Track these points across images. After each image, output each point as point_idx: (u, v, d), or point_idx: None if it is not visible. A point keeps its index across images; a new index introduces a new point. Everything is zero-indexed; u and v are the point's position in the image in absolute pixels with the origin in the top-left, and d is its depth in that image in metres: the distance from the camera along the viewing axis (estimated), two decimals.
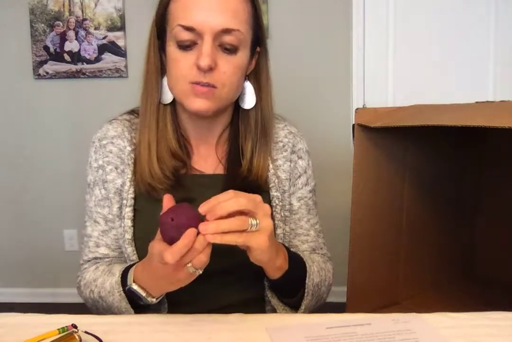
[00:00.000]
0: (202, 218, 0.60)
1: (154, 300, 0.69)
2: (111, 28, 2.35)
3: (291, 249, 0.87)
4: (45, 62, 2.38)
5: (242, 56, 0.76)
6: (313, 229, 0.90)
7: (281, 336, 0.63)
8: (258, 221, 0.62)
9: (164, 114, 0.82)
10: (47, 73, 2.39)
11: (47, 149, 2.45)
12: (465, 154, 1.24)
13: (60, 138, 2.45)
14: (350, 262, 1.05)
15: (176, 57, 0.75)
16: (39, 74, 2.39)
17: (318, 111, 2.36)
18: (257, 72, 0.84)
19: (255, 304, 0.81)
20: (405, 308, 1.12)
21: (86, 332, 0.61)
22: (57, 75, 2.39)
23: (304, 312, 0.78)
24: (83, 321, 0.64)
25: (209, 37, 0.72)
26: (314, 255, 0.87)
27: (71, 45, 2.37)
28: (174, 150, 0.81)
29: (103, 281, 0.76)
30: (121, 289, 0.72)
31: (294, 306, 0.79)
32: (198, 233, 0.58)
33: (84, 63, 2.37)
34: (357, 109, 1.03)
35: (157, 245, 0.60)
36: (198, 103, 0.75)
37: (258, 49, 0.82)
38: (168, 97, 0.81)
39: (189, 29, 0.72)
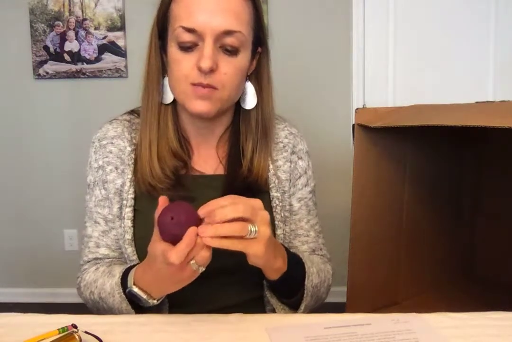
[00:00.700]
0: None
1: (155, 301, 0.69)
2: (111, 28, 2.35)
3: (291, 250, 0.87)
4: (45, 62, 2.38)
5: (243, 57, 0.76)
6: (313, 229, 0.90)
7: (280, 336, 0.63)
8: (257, 228, 0.62)
9: (165, 114, 0.82)
10: (47, 73, 2.39)
11: (47, 149, 2.46)
12: (465, 154, 1.24)
13: (60, 138, 2.45)
14: (350, 262, 1.05)
15: (177, 58, 0.75)
16: (39, 74, 2.39)
17: (318, 111, 2.36)
18: (258, 73, 0.84)
19: (255, 305, 0.81)
20: (405, 308, 1.11)
21: (86, 332, 0.61)
22: (57, 75, 2.39)
23: (303, 312, 0.78)
24: (83, 321, 0.64)
25: (211, 39, 0.71)
26: (313, 256, 0.87)
27: (71, 45, 2.37)
28: (175, 150, 0.81)
29: (103, 282, 0.76)
30: (121, 290, 0.72)
31: (293, 306, 0.79)
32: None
33: (84, 63, 2.38)
34: (357, 109, 1.03)
35: (159, 246, 0.60)
36: (199, 105, 0.75)
37: (259, 49, 0.82)
38: (169, 97, 0.81)
39: (190, 30, 0.72)
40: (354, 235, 1.04)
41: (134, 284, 0.68)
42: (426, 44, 2.28)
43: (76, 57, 2.37)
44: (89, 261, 0.84)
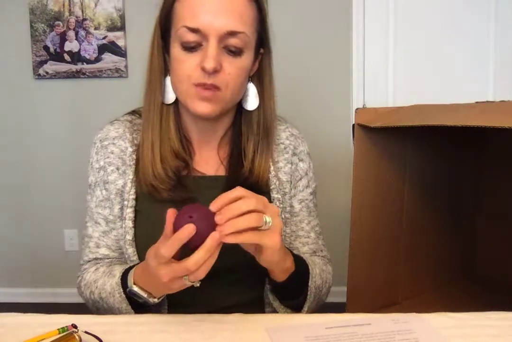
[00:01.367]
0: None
1: (155, 300, 0.68)
2: (111, 28, 2.35)
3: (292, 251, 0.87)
4: (45, 62, 2.38)
5: (247, 58, 0.76)
6: (314, 231, 0.90)
7: (281, 336, 0.63)
8: (270, 219, 0.62)
9: (167, 115, 0.81)
10: (47, 73, 2.39)
11: (47, 149, 2.46)
12: (465, 154, 1.24)
13: (60, 138, 2.45)
14: (350, 262, 1.05)
15: (180, 58, 0.74)
16: (39, 74, 2.39)
17: (318, 111, 2.36)
18: (260, 74, 0.83)
19: (255, 306, 0.81)
20: (405, 308, 1.11)
21: (86, 332, 0.61)
22: (57, 75, 2.39)
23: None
24: (83, 321, 0.64)
25: (214, 39, 0.71)
26: (314, 257, 0.87)
27: (71, 45, 2.37)
28: (176, 151, 0.81)
29: (104, 282, 0.76)
30: (121, 290, 0.72)
31: (295, 308, 0.79)
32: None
33: (84, 63, 2.38)
34: (357, 109, 1.03)
35: (151, 249, 0.60)
36: (202, 107, 0.75)
37: (261, 50, 0.82)
38: (171, 97, 0.80)
39: (194, 30, 0.72)
40: (354, 235, 1.04)
41: (134, 284, 0.68)
42: (426, 44, 2.28)
43: (76, 57, 2.37)
44: (89, 261, 0.84)
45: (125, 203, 0.80)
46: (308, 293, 0.77)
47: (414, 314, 0.70)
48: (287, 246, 0.85)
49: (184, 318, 0.68)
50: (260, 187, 0.83)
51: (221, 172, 0.85)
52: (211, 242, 0.57)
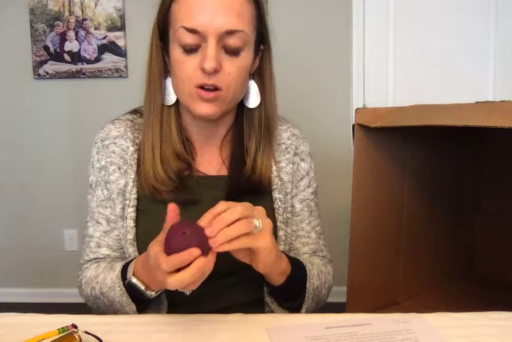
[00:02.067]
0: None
1: (153, 293, 0.69)
2: (111, 28, 2.35)
3: (292, 251, 0.87)
4: (45, 62, 2.38)
5: (247, 56, 0.76)
6: (314, 231, 0.90)
7: (280, 336, 0.63)
8: (259, 222, 0.62)
9: (168, 116, 0.81)
10: (47, 73, 2.39)
11: (47, 149, 2.46)
12: (465, 154, 1.24)
13: (60, 138, 2.45)
14: (350, 262, 1.05)
15: (180, 60, 0.74)
16: (39, 74, 2.39)
17: (318, 111, 2.36)
18: (261, 71, 0.83)
19: (254, 306, 0.81)
20: (405, 308, 1.12)
21: (86, 332, 0.61)
22: (57, 75, 2.39)
23: None
24: (83, 321, 0.65)
25: (213, 39, 0.71)
26: (314, 257, 0.87)
27: (71, 45, 2.37)
28: (178, 152, 0.81)
29: (104, 277, 0.76)
30: (121, 283, 0.72)
31: (294, 310, 0.79)
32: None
33: (84, 63, 2.37)
34: (357, 109, 1.03)
35: (155, 248, 0.60)
36: (204, 108, 0.75)
37: (261, 47, 0.82)
38: (171, 98, 0.80)
39: (192, 31, 0.71)
40: (354, 235, 1.04)
41: (133, 275, 0.69)
42: (426, 44, 2.28)
43: (76, 57, 2.37)
44: (90, 261, 0.84)
45: (127, 202, 0.80)
46: (306, 295, 0.77)
47: (414, 314, 0.70)
48: (288, 246, 0.85)
49: (184, 318, 0.68)
50: (262, 187, 0.83)
51: (223, 171, 0.85)
52: (198, 263, 0.57)
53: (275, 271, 0.71)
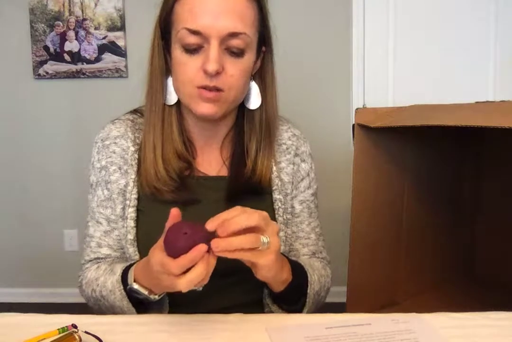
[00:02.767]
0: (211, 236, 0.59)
1: (156, 297, 0.69)
2: (111, 28, 2.35)
3: (292, 252, 0.87)
4: (45, 62, 2.38)
5: (249, 58, 0.76)
6: (314, 232, 0.90)
7: (281, 336, 0.63)
8: (268, 239, 0.61)
9: (169, 116, 0.81)
10: (47, 73, 2.39)
11: (47, 149, 2.45)
12: (465, 154, 1.24)
13: (60, 138, 2.45)
14: (350, 262, 1.05)
15: (182, 60, 0.74)
16: (39, 74, 2.39)
17: (318, 111, 2.36)
18: (262, 72, 0.83)
19: (255, 306, 0.81)
20: (405, 308, 1.11)
21: (86, 332, 0.61)
22: (57, 75, 2.39)
23: None
24: (83, 321, 0.64)
25: (216, 41, 0.71)
26: (314, 259, 0.87)
27: (71, 45, 2.37)
28: (179, 152, 0.80)
29: (105, 280, 0.76)
30: (122, 287, 0.72)
31: (294, 312, 0.79)
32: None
33: (84, 63, 2.37)
34: (357, 109, 1.03)
35: (157, 255, 0.59)
36: (205, 108, 0.74)
37: (263, 49, 0.81)
38: (172, 98, 0.80)
39: (195, 32, 0.71)
40: (354, 235, 1.04)
41: (134, 281, 0.69)
42: (426, 44, 2.28)
43: (76, 57, 2.37)
44: (90, 261, 0.84)
45: (127, 202, 0.80)
46: (307, 300, 0.77)
47: (414, 314, 0.70)
48: (288, 247, 0.85)
49: (184, 318, 0.68)
50: (262, 187, 0.83)
51: (224, 172, 0.85)
52: (203, 259, 0.57)
53: (273, 282, 0.71)
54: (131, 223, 0.79)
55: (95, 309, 0.81)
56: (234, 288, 0.81)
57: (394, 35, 2.29)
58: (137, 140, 0.83)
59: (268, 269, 0.64)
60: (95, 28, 2.35)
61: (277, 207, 0.84)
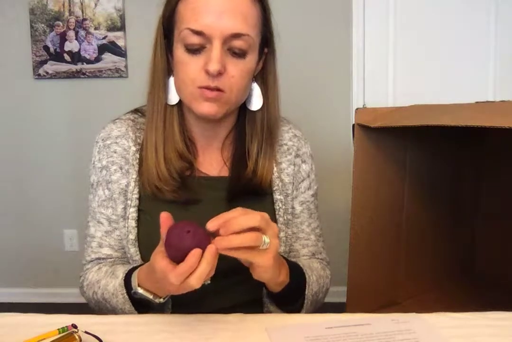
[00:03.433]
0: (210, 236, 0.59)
1: (161, 300, 0.69)
2: (111, 28, 2.35)
3: (292, 253, 0.87)
4: (45, 62, 2.38)
5: (251, 59, 0.75)
6: (314, 233, 0.90)
7: (280, 336, 0.63)
8: (269, 240, 0.61)
9: (170, 116, 0.81)
10: (47, 73, 2.39)
11: (47, 149, 2.45)
12: (464, 154, 1.24)
13: (60, 138, 2.45)
14: (350, 262, 1.05)
15: (184, 60, 0.74)
16: (39, 74, 2.39)
17: (318, 111, 2.36)
18: (264, 73, 0.83)
19: (254, 306, 0.81)
20: (405, 308, 1.12)
21: (86, 332, 0.61)
22: (57, 75, 2.39)
23: None
24: (83, 321, 0.64)
25: (218, 42, 0.70)
26: (313, 260, 0.87)
27: (71, 45, 2.37)
28: (181, 152, 0.80)
29: (106, 283, 0.76)
30: (124, 291, 0.72)
31: (292, 312, 0.79)
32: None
33: (84, 63, 2.37)
34: (357, 109, 1.03)
35: (160, 262, 0.59)
36: (207, 107, 0.74)
37: (266, 50, 0.81)
38: (174, 98, 0.80)
39: (198, 33, 0.71)
40: (354, 234, 1.04)
41: (138, 285, 0.68)
42: (426, 44, 2.28)
43: (76, 57, 2.37)
44: (91, 261, 0.84)
45: (128, 202, 0.80)
46: (305, 301, 0.78)
47: (414, 314, 0.70)
48: (288, 248, 0.85)
49: (184, 318, 0.68)
50: (263, 188, 0.83)
51: (225, 172, 0.85)
52: (210, 255, 0.57)
53: (270, 283, 0.71)
54: (132, 223, 0.79)
55: (96, 310, 0.81)
56: (234, 288, 0.81)
57: (394, 35, 2.29)
58: (138, 140, 0.83)
59: (265, 269, 0.64)
60: (95, 28, 2.35)
61: (277, 207, 0.84)
